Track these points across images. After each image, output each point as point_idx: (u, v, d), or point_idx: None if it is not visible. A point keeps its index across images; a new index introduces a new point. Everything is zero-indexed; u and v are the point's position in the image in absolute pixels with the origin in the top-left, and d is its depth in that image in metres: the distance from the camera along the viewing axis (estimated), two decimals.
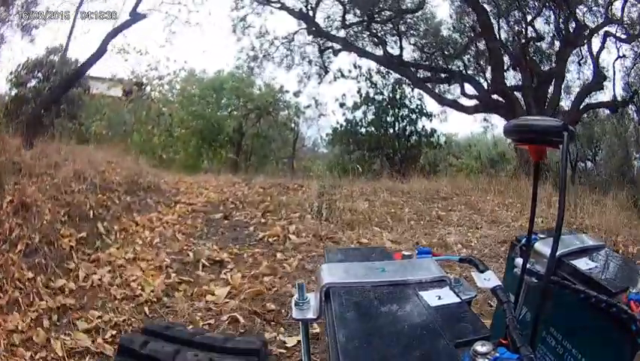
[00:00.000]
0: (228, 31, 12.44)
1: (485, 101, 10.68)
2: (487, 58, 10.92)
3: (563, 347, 1.04)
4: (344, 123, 12.50)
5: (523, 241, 1.13)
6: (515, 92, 10.34)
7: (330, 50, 12.54)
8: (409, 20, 11.87)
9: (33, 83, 11.56)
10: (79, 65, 11.99)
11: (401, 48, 11.71)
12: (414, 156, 11.95)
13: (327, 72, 12.83)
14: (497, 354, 0.57)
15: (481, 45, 11.26)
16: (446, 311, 0.72)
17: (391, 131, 12.21)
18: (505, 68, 10.52)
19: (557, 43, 10.52)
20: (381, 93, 12.39)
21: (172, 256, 3.72)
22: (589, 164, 11.64)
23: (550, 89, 10.11)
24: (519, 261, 1.03)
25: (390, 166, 11.41)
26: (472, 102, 11.22)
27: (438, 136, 12.15)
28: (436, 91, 11.83)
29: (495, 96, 10.55)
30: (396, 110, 12.23)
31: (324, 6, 11.86)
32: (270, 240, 4.26)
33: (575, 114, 9.79)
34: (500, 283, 0.82)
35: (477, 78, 11.45)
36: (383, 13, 11.72)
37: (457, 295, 0.77)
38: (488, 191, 6.78)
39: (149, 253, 3.77)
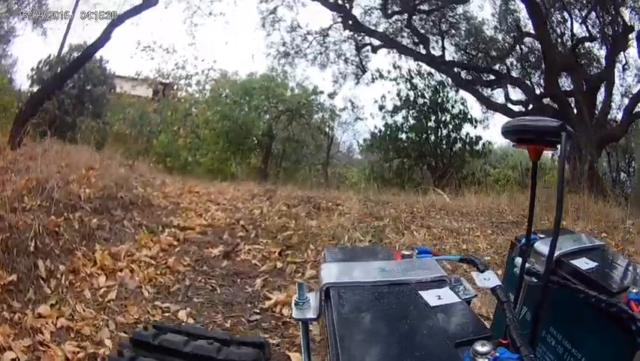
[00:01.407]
0: (257, 25, 11.39)
1: (536, 107, 9.69)
2: (533, 60, 10.04)
3: (563, 347, 1.04)
4: (383, 128, 11.42)
5: (523, 240, 1.13)
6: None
7: (369, 47, 11.36)
8: (450, 19, 10.84)
9: None
10: (103, 62, 11.88)
11: (443, 48, 10.70)
12: (457, 166, 10.88)
13: (364, 72, 11.65)
14: (497, 354, 0.57)
15: (524, 46, 10.39)
16: (446, 311, 0.72)
17: (433, 137, 11.21)
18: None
19: (597, 46, 9.68)
20: (423, 96, 11.33)
21: (121, 332, 2.52)
22: (622, 175, 10.91)
23: (600, 95, 9.26)
24: (519, 261, 1.03)
25: (432, 176, 10.50)
26: (516, 107, 10.34)
27: (483, 144, 11.01)
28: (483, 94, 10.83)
29: (544, 101, 9.70)
30: (439, 115, 11.17)
31: None
32: (284, 311, 2.80)
33: (627, 123, 9.05)
34: (500, 283, 0.83)
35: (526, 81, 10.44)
36: (426, 3, 10.54)
37: (457, 295, 0.78)
38: (552, 210, 5.80)
39: (91, 321, 2.58)
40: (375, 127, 11.56)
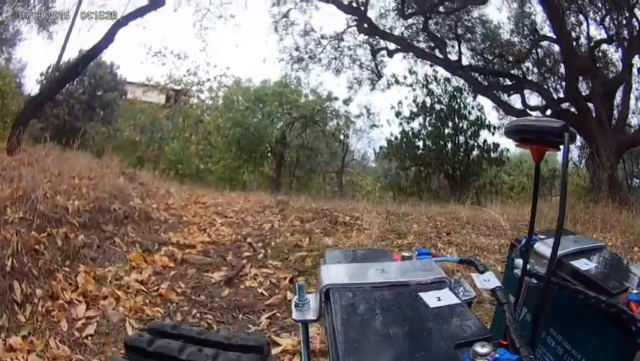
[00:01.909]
0: (269, 28, 11.17)
1: (554, 111, 9.42)
2: (549, 64, 9.76)
3: (563, 348, 1.04)
4: (399, 135, 11.12)
5: (523, 242, 1.13)
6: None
7: (384, 52, 11.06)
8: (466, 23, 10.59)
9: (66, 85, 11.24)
10: (114, 68, 11.85)
11: (460, 52, 10.42)
12: (474, 174, 10.77)
13: (380, 77, 11.37)
14: (497, 355, 0.57)
15: (540, 50, 10.08)
16: (446, 312, 0.72)
17: (450, 145, 11.00)
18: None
19: (613, 49, 9.44)
20: (440, 102, 11.08)
21: None
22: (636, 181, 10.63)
23: (617, 99, 9.06)
24: (519, 262, 1.03)
25: (449, 185, 10.34)
26: (535, 113, 10.03)
27: (501, 151, 10.80)
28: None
29: (562, 106, 9.40)
30: (456, 122, 10.93)
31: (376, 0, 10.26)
32: None
33: None
34: (500, 284, 0.83)
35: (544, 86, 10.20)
36: (443, 5, 10.21)
37: (457, 297, 0.78)
38: (589, 224, 5.02)
39: None
40: (392, 134, 11.35)
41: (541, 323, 0.94)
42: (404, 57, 11.11)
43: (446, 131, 11.08)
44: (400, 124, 11.25)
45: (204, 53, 14.54)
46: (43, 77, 11.27)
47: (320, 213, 4.94)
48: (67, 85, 10.78)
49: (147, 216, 4.24)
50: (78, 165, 4.57)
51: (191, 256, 3.63)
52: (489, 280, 0.84)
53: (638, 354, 0.81)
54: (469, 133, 11.00)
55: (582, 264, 1.03)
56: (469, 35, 10.66)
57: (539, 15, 9.64)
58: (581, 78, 9.24)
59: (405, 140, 11.08)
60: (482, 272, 0.87)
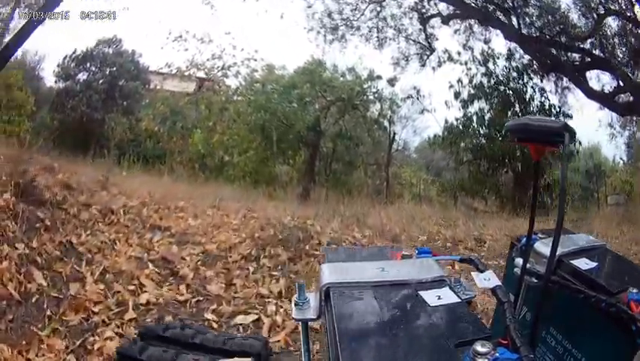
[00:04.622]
0: None
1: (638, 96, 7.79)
2: (616, 42, 8.01)
3: (563, 347, 1.04)
4: (454, 122, 9.34)
5: (523, 241, 1.13)
6: None
7: (435, 20, 8.95)
8: None
9: (84, 75, 11.01)
10: (135, 56, 11.25)
11: (519, 24, 8.35)
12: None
13: (432, 51, 9.25)
14: (497, 354, 0.57)
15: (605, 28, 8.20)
16: (446, 311, 0.72)
17: None
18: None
19: None
20: (503, 83, 9.21)
21: None
22: None
23: None
24: (519, 261, 1.03)
25: (515, 185, 8.55)
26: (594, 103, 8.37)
27: (573, 143, 9.90)
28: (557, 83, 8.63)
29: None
30: (523, 107, 9.13)
31: None
32: None
33: None
34: (500, 283, 0.82)
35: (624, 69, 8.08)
36: None
37: (457, 295, 0.78)
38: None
39: None
40: (446, 121, 9.47)
41: (542, 322, 0.94)
42: (455, 32, 9.02)
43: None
44: (462, 107, 9.25)
45: (229, 36, 12.43)
46: (59, 69, 10.95)
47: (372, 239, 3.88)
48: (86, 75, 10.68)
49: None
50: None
51: None
52: (489, 279, 0.84)
53: (638, 354, 0.81)
54: None
55: (582, 263, 1.03)
56: (526, 10, 8.67)
57: None
58: None
59: (461, 128, 9.32)
60: (482, 271, 0.87)
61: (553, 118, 0.81)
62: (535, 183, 0.95)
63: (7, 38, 7.81)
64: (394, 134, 10.61)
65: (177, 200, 5.40)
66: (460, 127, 9.35)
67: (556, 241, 0.76)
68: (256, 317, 2.75)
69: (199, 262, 3.50)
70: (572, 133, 0.76)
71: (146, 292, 2.92)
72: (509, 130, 0.86)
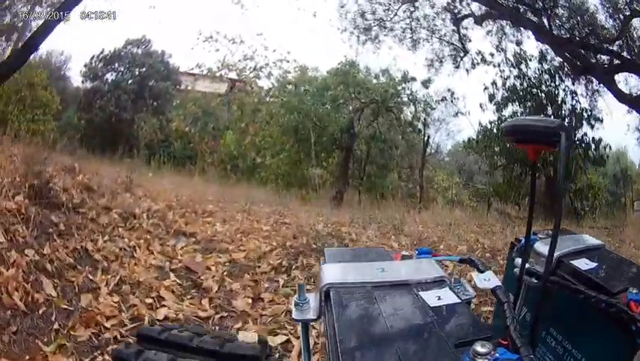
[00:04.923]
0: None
1: None
2: None
3: (563, 348, 1.04)
4: (489, 125, 9.22)
5: (523, 241, 1.13)
6: None
7: (468, 21, 8.87)
8: None
9: (112, 75, 10.86)
10: (165, 57, 11.06)
11: (550, 26, 8.32)
12: (575, 178, 8.84)
13: (466, 52, 9.20)
14: (497, 354, 0.57)
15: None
16: (446, 311, 0.72)
17: None
18: None
19: None
20: (535, 86, 9.18)
21: None
22: None
23: None
24: (519, 261, 1.03)
25: (546, 189, 8.03)
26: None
27: (604, 148, 8.92)
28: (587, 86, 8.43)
29: None
30: (555, 111, 9.04)
31: None
32: None
33: None
34: (500, 284, 0.82)
35: None
36: None
37: (457, 296, 0.78)
38: None
39: None
40: (481, 124, 9.42)
41: (541, 323, 0.94)
42: (487, 33, 9.03)
43: None
44: (494, 111, 9.30)
45: (261, 37, 13.13)
46: (87, 69, 10.79)
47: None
48: (115, 75, 10.55)
49: None
50: None
51: None
52: (489, 280, 0.84)
53: (638, 354, 0.81)
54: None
55: (582, 263, 1.03)
56: (557, 11, 8.46)
57: None
58: None
59: (497, 131, 9.06)
60: (482, 271, 0.87)
61: (549, 118, 0.81)
62: (533, 183, 0.95)
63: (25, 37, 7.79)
64: (428, 137, 10.57)
65: (206, 203, 5.17)
66: (495, 130, 9.28)
67: (554, 241, 0.76)
68: (285, 338, 2.44)
69: (225, 273, 3.28)
70: (569, 133, 0.76)
71: (164, 306, 2.69)
72: (505, 132, 0.86)
